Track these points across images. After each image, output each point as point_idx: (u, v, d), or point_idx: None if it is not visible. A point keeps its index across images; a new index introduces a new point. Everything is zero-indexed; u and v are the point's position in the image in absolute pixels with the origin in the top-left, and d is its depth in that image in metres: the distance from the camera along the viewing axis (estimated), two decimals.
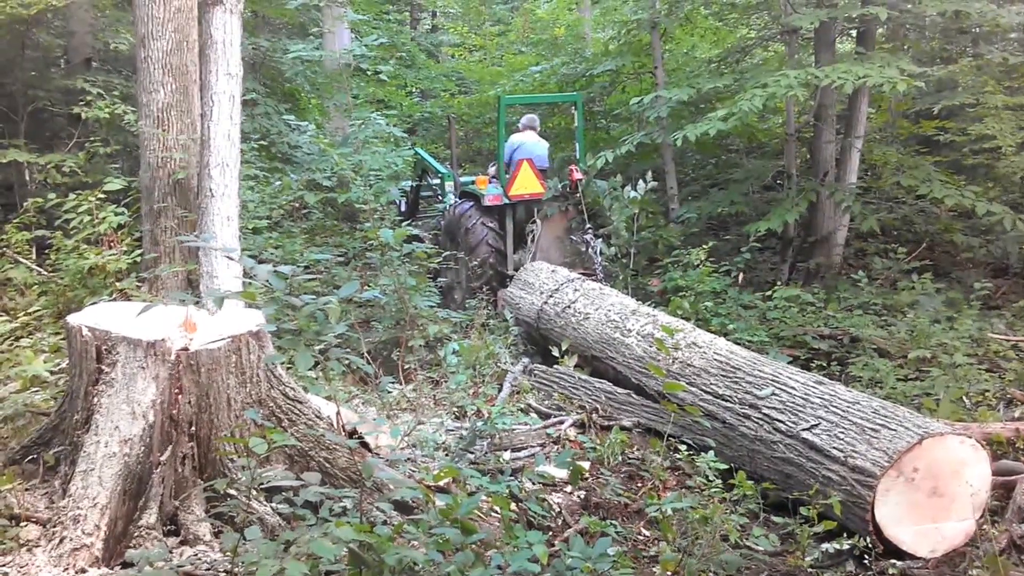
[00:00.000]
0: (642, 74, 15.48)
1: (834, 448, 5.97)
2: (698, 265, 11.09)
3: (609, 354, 8.70)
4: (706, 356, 7.56)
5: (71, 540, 4.58)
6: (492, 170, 12.79)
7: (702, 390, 7.26)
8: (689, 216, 13.29)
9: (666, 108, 12.65)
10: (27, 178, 11.67)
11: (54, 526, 4.69)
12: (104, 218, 9.77)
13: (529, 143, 12.51)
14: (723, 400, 7.04)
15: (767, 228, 11.54)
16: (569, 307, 9.68)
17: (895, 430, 5.81)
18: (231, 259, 5.94)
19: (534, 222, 11.98)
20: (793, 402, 6.53)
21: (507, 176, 12.09)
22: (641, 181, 11.68)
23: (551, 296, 10.05)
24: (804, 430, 6.26)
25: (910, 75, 10.21)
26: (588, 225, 11.88)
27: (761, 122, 15.93)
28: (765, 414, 6.62)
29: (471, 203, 12.17)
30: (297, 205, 12.44)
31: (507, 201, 11.95)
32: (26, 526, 4.93)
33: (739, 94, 11.23)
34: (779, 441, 6.42)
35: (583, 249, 11.85)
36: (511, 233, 12.10)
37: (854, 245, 13.34)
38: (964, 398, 8.13)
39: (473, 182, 12.35)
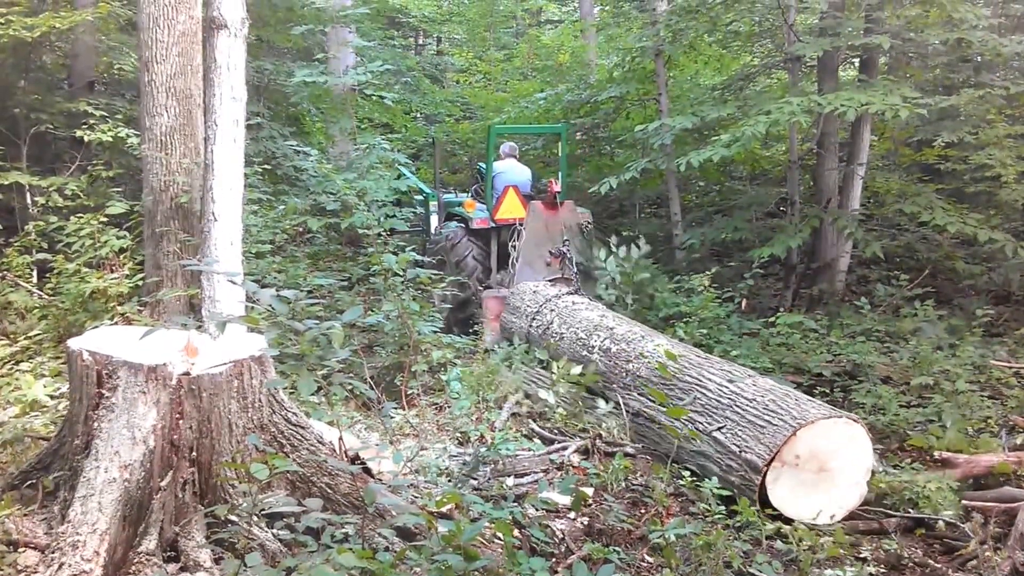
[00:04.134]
0: (646, 101, 15.50)
1: (733, 444, 6.75)
2: (701, 291, 11.09)
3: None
4: (650, 367, 8.19)
5: (70, 566, 4.51)
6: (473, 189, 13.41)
7: (648, 399, 7.91)
8: (692, 242, 13.29)
9: (670, 135, 12.66)
10: (29, 201, 11.64)
11: (52, 552, 4.63)
12: (106, 242, 9.78)
13: (512, 171, 13.10)
14: (660, 406, 7.53)
15: (770, 254, 11.54)
16: (548, 328, 10.17)
17: (777, 425, 6.59)
18: (233, 283, 5.91)
19: (518, 234, 12.24)
20: (709, 404, 7.28)
21: (493, 201, 12.58)
22: (635, 247, 11.82)
23: (533, 319, 10.49)
24: (714, 430, 7.00)
25: (912, 101, 10.21)
26: (566, 238, 12.20)
27: (764, 149, 15.96)
28: (689, 417, 7.24)
29: (457, 223, 12.68)
30: (300, 230, 12.43)
31: (493, 225, 12.41)
32: (24, 552, 4.89)
33: (742, 120, 11.24)
34: (697, 438, 7.02)
35: (562, 261, 12.16)
36: (495, 254, 12.57)
37: (857, 272, 13.35)
38: (968, 427, 8.10)
39: (461, 204, 12.84)
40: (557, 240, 12.22)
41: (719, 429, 6.96)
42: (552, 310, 10.40)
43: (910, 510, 6.63)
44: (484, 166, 13.44)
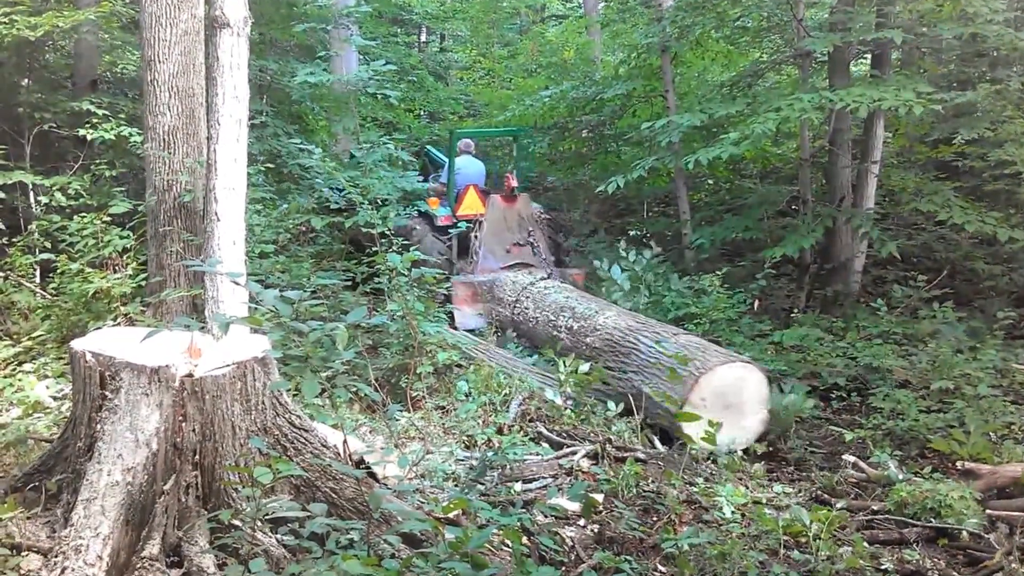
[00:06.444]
0: (653, 97, 15.38)
1: (656, 396, 8.26)
2: (711, 292, 10.97)
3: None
4: (601, 337, 9.76)
5: (73, 570, 4.46)
6: (432, 181, 14.71)
7: (602, 365, 9.32)
8: (702, 242, 13.16)
9: (677, 133, 12.54)
10: (32, 200, 11.53)
11: (55, 556, 4.56)
12: (109, 241, 9.72)
13: (469, 167, 14.32)
14: (610, 371, 9.27)
15: (782, 254, 11.40)
16: (526, 313, 11.48)
17: (686, 376, 8.16)
18: (237, 284, 5.81)
19: (479, 224, 13.26)
20: (642, 363, 8.97)
21: (454, 197, 13.88)
22: (647, 250, 12.14)
23: (514, 307, 11.67)
24: (643, 384, 8.71)
25: (927, 97, 10.06)
26: (530, 228, 13.43)
27: (775, 146, 15.82)
28: (629, 375, 9.06)
29: (420, 219, 13.83)
30: (304, 228, 12.36)
31: (455, 221, 13.31)
32: (27, 556, 4.86)
33: (752, 117, 11.11)
34: (636, 391, 8.76)
35: (529, 248, 13.32)
36: (456, 247, 13.45)
37: (872, 272, 13.17)
38: (990, 433, 7.95)
39: (424, 200, 13.90)
40: (515, 229, 13.34)
41: (645, 384, 8.78)
42: (528, 296, 11.69)
43: (932, 519, 6.52)
44: (432, 149, 15.84)
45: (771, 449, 8.32)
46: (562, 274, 13.06)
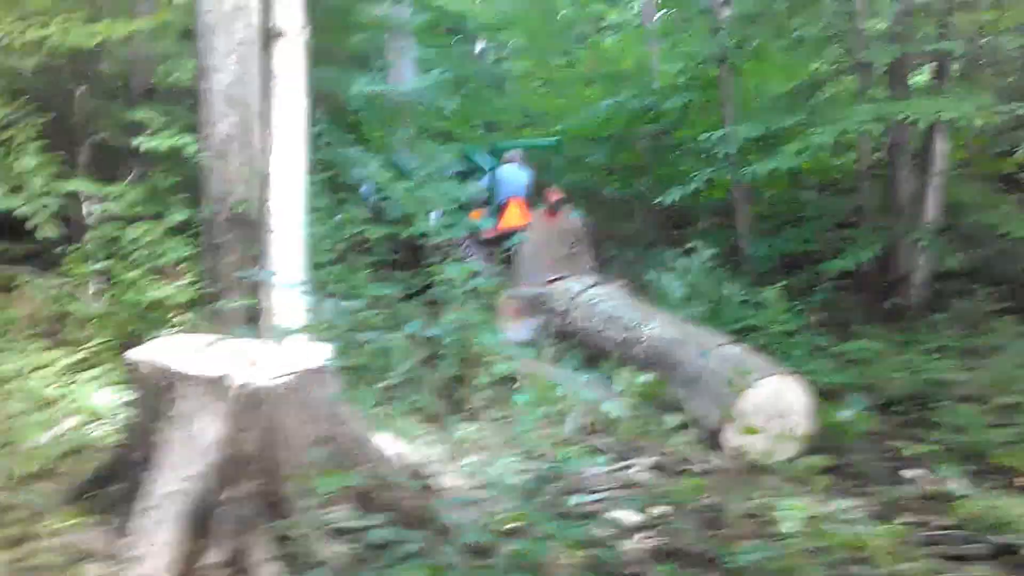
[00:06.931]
0: (711, 108, 15.30)
1: (701, 412, 8.36)
2: (770, 304, 10.85)
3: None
4: (646, 349, 9.69)
5: None
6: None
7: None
8: (760, 254, 13.04)
9: (735, 144, 12.45)
10: (87, 209, 11.61)
11: (116, 565, 4.63)
12: (165, 251, 9.75)
13: (512, 177, 14.48)
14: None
15: (842, 267, 11.27)
16: (576, 324, 11.27)
17: (727, 393, 8.13)
18: (293, 294, 5.81)
19: (523, 233, 13.45)
20: (687, 377, 8.84)
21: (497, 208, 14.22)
22: (696, 255, 12.12)
23: (566, 317, 11.55)
24: (687, 400, 8.64)
25: (987, 108, 9.91)
26: (573, 239, 13.55)
27: (834, 158, 15.67)
28: (675, 389, 8.88)
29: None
30: (361, 239, 12.38)
31: (498, 234, 13.85)
32: (87, 565, 4.88)
33: (810, 129, 11.01)
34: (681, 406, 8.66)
35: (573, 260, 13.41)
36: (496, 257, 13.75)
37: (934, 285, 12.99)
38: None
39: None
40: (555, 243, 13.45)
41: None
42: (577, 307, 11.47)
43: (995, 535, 6.37)
44: (471, 152, 15.85)
45: (832, 463, 8.19)
46: (605, 283, 12.90)
